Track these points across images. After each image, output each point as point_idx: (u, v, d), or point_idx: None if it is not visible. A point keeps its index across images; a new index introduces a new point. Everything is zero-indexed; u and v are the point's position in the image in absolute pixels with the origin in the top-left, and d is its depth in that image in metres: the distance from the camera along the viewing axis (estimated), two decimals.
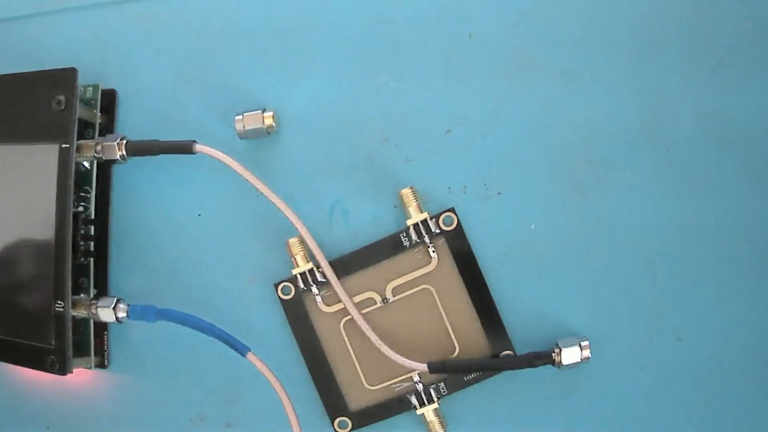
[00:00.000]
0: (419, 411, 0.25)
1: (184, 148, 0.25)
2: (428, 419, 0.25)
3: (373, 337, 0.24)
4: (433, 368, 0.24)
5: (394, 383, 0.25)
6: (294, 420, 0.24)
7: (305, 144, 0.26)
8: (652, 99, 0.24)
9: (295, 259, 0.25)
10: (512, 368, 0.24)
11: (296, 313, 0.25)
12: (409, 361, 0.24)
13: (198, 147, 0.25)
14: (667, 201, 0.24)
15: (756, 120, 0.24)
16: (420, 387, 0.25)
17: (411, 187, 0.25)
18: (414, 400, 0.25)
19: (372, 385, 0.25)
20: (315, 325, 0.25)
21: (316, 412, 0.26)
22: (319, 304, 0.25)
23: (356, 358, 0.25)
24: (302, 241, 0.25)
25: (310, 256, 0.25)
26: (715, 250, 0.24)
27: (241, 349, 0.25)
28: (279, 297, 0.25)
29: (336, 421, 0.25)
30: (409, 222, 0.25)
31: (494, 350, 0.25)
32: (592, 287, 0.24)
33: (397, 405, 0.25)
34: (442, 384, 0.25)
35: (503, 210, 0.25)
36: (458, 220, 0.25)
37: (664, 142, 0.24)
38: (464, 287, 0.25)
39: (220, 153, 0.24)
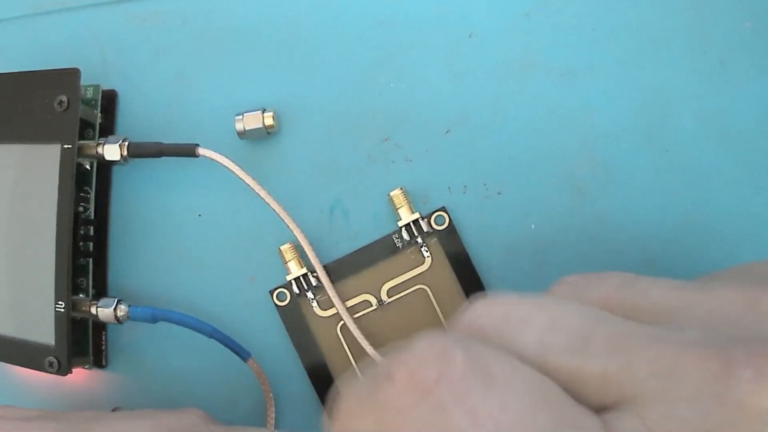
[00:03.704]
0: None
1: (187, 152, 0.25)
2: None
3: (367, 346, 0.24)
4: None
5: None
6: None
7: (305, 144, 0.26)
8: (652, 99, 0.24)
9: (288, 265, 0.25)
10: None
11: (293, 319, 0.25)
12: None
13: (201, 151, 0.25)
14: (667, 201, 0.24)
15: (756, 120, 0.24)
16: None
17: (401, 188, 0.25)
18: None
19: None
20: (312, 330, 0.25)
21: (318, 416, 0.26)
22: (315, 308, 0.25)
23: (355, 360, 0.25)
24: (296, 247, 0.25)
25: (305, 261, 0.25)
26: (715, 251, 0.24)
27: (243, 355, 0.25)
28: (275, 303, 0.25)
29: None
30: (401, 223, 0.25)
31: None
32: None
33: None
34: None
35: (503, 210, 0.25)
36: (450, 219, 0.25)
37: (664, 141, 0.24)
38: (459, 286, 0.25)
39: (223, 157, 0.24)
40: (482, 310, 0.16)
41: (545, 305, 0.15)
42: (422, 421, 0.14)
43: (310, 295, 0.25)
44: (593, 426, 0.13)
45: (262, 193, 0.25)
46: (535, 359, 0.14)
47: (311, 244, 0.25)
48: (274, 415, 0.25)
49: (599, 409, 0.14)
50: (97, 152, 0.25)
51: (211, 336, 0.25)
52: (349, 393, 0.16)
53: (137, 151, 0.25)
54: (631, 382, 0.14)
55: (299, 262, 0.25)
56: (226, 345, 0.25)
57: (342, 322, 0.25)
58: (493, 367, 0.14)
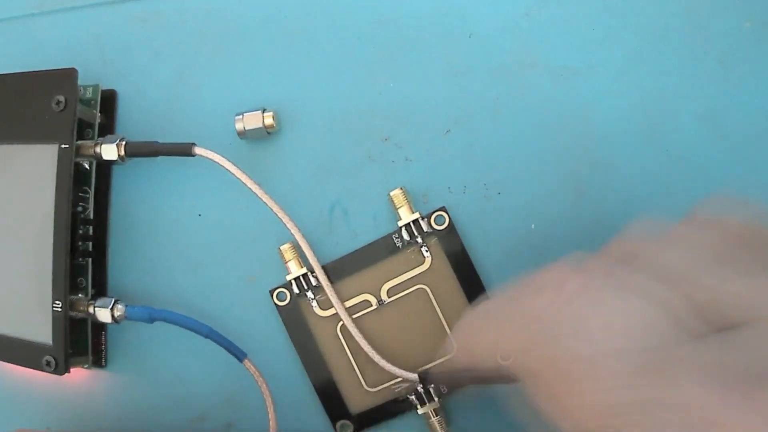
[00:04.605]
0: (420, 411, 0.25)
1: (184, 151, 0.25)
2: (429, 419, 0.25)
3: (365, 346, 0.24)
4: (424, 379, 0.24)
5: (394, 384, 0.25)
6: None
7: (305, 144, 0.26)
8: (652, 99, 0.24)
9: (288, 264, 0.25)
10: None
11: (293, 319, 0.25)
12: (400, 371, 0.24)
13: (197, 150, 0.25)
14: (667, 201, 0.24)
15: (756, 120, 0.24)
16: (420, 387, 0.25)
17: (401, 188, 0.25)
18: (415, 400, 0.25)
19: (372, 387, 0.25)
20: (312, 330, 0.25)
21: (318, 416, 0.26)
22: (314, 308, 0.25)
23: (354, 360, 0.25)
24: (295, 247, 0.25)
25: (305, 261, 0.25)
26: None
27: (239, 355, 0.25)
28: (275, 303, 0.25)
29: (338, 425, 0.25)
30: (401, 223, 0.25)
31: None
32: None
33: (398, 405, 0.25)
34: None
35: (503, 210, 0.25)
36: (450, 219, 0.25)
37: (664, 141, 0.24)
38: (459, 286, 0.25)
39: (219, 157, 0.24)
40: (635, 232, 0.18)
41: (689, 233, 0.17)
42: (561, 324, 0.15)
43: (310, 294, 0.25)
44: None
45: (259, 192, 0.24)
46: (678, 275, 0.15)
47: (310, 243, 0.25)
48: (275, 416, 0.25)
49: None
50: (95, 152, 0.25)
51: (207, 336, 0.25)
52: (478, 311, 0.19)
53: (134, 151, 0.25)
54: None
55: (299, 262, 0.25)
56: (222, 345, 0.25)
57: (342, 322, 0.25)
58: (629, 283, 0.15)
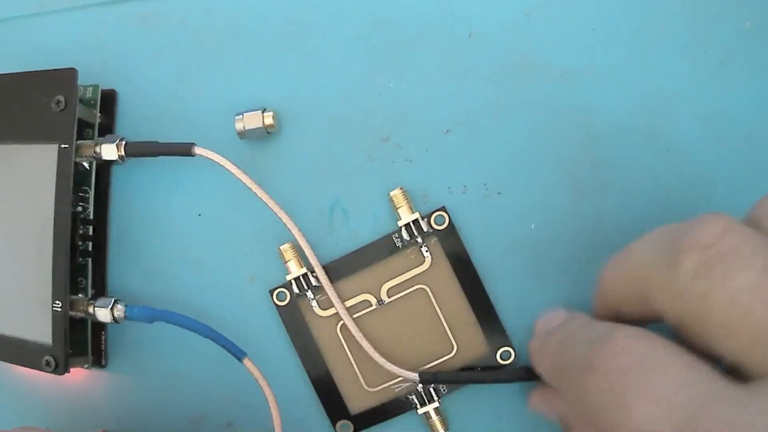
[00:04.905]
0: (420, 411, 0.25)
1: (184, 151, 0.25)
2: (429, 419, 0.25)
3: (366, 345, 0.24)
4: (425, 379, 0.24)
5: (394, 384, 0.25)
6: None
7: (305, 144, 0.26)
8: (652, 99, 0.24)
9: (288, 264, 0.25)
10: (502, 382, 0.24)
11: (293, 319, 0.25)
12: (400, 370, 0.24)
13: (197, 150, 0.25)
14: (667, 201, 0.24)
15: (756, 120, 0.24)
16: (420, 387, 0.25)
17: (401, 188, 0.25)
18: (415, 400, 0.25)
19: (372, 387, 0.25)
20: (312, 330, 0.25)
21: (318, 416, 0.26)
22: (314, 308, 0.25)
23: (354, 360, 0.25)
24: (295, 247, 0.25)
25: (305, 261, 0.25)
26: None
27: (238, 354, 0.25)
28: (274, 303, 0.25)
29: (338, 425, 0.25)
30: (401, 223, 0.25)
31: (492, 348, 0.25)
32: (592, 287, 0.24)
33: (398, 405, 0.25)
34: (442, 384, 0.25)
35: (503, 210, 0.25)
36: (450, 218, 0.25)
37: (664, 141, 0.24)
38: (459, 286, 0.25)
39: (219, 157, 0.24)
40: None
41: None
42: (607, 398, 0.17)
43: (310, 294, 0.25)
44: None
45: (259, 192, 0.24)
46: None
47: (310, 243, 0.25)
48: (279, 414, 0.25)
49: None
50: (95, 152, 0.25)
51: (207, 336, 0.25)
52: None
53: (134, 151, 0.25)
54: None
55: (299, 262, 0.25)
56: (221, 345, 0.25)
57: (342, 322, 0.25)
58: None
